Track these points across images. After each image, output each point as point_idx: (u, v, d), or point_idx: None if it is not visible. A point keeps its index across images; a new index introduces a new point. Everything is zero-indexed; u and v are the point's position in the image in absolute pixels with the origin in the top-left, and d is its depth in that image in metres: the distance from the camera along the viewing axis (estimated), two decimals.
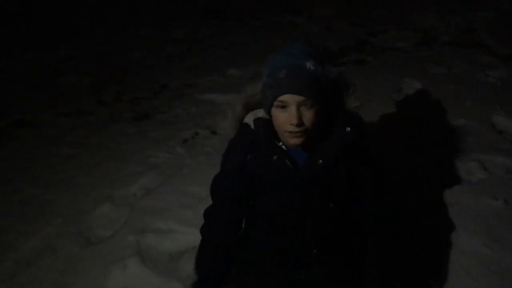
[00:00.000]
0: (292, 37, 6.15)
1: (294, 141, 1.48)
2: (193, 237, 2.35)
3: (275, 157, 1.56)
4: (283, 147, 1.59)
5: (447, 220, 2.29)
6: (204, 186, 2.71)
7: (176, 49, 6.16)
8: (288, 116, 1.44)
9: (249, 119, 1.64)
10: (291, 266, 1.65)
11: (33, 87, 5.12)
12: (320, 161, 1.54)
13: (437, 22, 6.12)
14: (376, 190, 1.68)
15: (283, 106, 1.45)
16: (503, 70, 4.26)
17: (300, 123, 1.43)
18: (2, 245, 2.50)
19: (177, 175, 2.97)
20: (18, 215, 2.76)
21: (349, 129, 1.54)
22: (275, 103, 1.45)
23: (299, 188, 1.57)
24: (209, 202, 2.54)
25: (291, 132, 1.46)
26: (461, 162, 2.79)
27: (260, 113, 1.62)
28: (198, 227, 2.37)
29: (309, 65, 1.45)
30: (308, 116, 1.45)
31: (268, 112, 1.52)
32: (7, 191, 3.03)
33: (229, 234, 1.75)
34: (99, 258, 2.31)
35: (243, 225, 1.79)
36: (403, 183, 2.61)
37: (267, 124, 1.56)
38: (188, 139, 3.53)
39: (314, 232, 1.61)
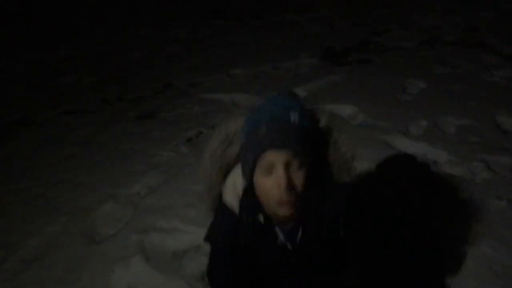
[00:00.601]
0: (293, 37, 6.16)
1: (285, 211, 1.24)
2: (196, 236, 2.37)
3: (266, 245, 1.39)
4: (276, 228, 1.38)
5: (451, 221, 2.28)
6: None
7: (176, 48, 6.18)
8: (275, 180, 1.21)
9: (229, 196, 1.40)
10: None
11: (34, 87, 5.14)
12: (316, 245, 1.38)
13: (439, 22, 6.12)
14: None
15: (268, 170, 1.21)
16: (507, 69, 4.25)
17: (289, 187, 1.20)
18: (6, 244, 2.51)
19: (181, 174, 2.97)
20: (21, 214, 2.77)
21: (342, 233, 1.35)
22: (258, 166, 1.22)
23: (288, 266, 1.43)
24: None
25: (280, 201, 1.22)
26: (465, 162, 2.78)
27: (239, 177, 1.37)
28: (201, 226, 2.38)
29: (294, 117, 1.23)
30: (298, 178, 1.22)
31: (250, 180, 1.28)
32: (10, 190, 3.04)
33: None
34: (103, 257, 2.31)
35: None
36: (406, 185, 2.60)
37: (254, 210, 1.33)
38: (191, 138, 3.53)
39: None
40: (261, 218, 1.34)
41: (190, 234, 2.39)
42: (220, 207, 1.42)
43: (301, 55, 5.29)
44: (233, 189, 1.39)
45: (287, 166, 1.20)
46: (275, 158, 1.19)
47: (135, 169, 3.12)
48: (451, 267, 2.01)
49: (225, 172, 1.43)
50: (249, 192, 1.31)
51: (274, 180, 1.21)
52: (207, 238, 1.47)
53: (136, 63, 5.71)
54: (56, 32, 7.25)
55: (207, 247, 2.29)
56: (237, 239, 1.35)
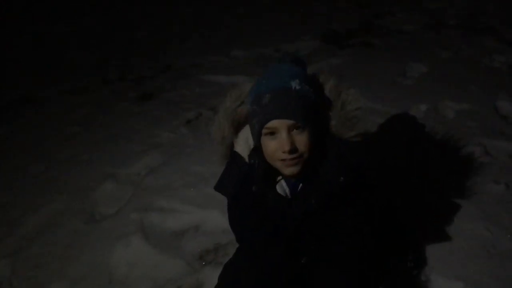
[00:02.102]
0: (295, 18, 6.11)
1: (290, 170, 1.36)
2: (195, 216, 2.40)
3: (270, 196, 1.46)
4: (282, 181, 1.48)
5: (449, 203, 2.30)
6: (207, 166, 2.76)
7: (180, 28, 6.14)
8: (279, 143, 1.32)
9: (240, 147, 1.53)
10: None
11: (36, 65, 5.14)
12: (313, 201, 1.43)
13: (444, 5, 6.05)
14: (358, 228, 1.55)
15: (272, 133, 1.32)
16: (509, 55, 4.22)
17: (293, 149, 1.31)
18: (7, 221, 2.54)
19: (181, 155, 2.99)
20: (23, 191, 2.80)
21: (342, 179, 1.41)
22: (263, 131, 1.33)
23: (291, 220, 1.48)
24: (212, 181, 2.57)
25: (284, 160, 1.34)
26: (463, 146, 2.78)
27: (250, 135, 1.49)
28: (201, 206, 2.43)
29: (295, 85, 1.32)
30: (301, 140, 1.32)
31: (258, 141, 1.39)
32: (12, 168, 3.07)
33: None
34: (103, 235, 2.35)
35: None
36: (405, 166, 2.61)
37: (263, 163, 1.44)
38: (191, 120, 3.54)
39: (304, 247, 1.54)
40: (267, 165, 1.43)
41: (189, 214, 2.42)
42: (232, 157, 1.54)
43: (303, 37, 5.26)
44: (245, 142, 1.52)
45: (289, 130, 1.31)
46: (278, 124, 1.30)
47: (135, 149, 3.14)
48: (448, 249, 2.03)
49: (237, 127, 1.54)
50: (259, 149, 1.42)
51: (278, 143, 1.32)
52: (218, 186, 1.58)
53: (138, 43, 5.69)
54: (59, 9, 7.19)
55: (206, 227, 2.34)
56: (248, 185, 1.46)
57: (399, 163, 2.64)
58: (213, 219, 2.35)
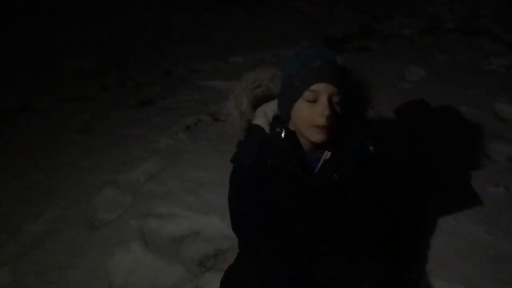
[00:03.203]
0: (294, 23, 6.13)
1: (320, 137, 1.40)
2: (195, 222, 2.40)
3: (290, 167, 1.48)
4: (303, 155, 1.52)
5: (448, 207, 2.30)
6: (206, 171, 2.77)
7: (179, 34, 6.16)
8: (317, 108, 1.37)
9: (259, 120, 1.57)
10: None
11: (35, 72, 5.14)
12: (336, 175, 1.48)
13: (442, 9, 6.07)
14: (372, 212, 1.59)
15: (312, 99, 1.38)
16: (508, 57, 4.23)
17: (331, 115, 1.37)
18: (7, 229, 2.53)
19: (180, 161, 2.99)
20: (22, 199, 2.79)
21: (372, 148, 1.49)
22: (305, 94, 1.38)
23: (309, 195, 1.51)
24: (211, 187, 2.61)
25: (318, 126, 1.38)
26: (463, 149, 2.79)
27: (269, 109, 1.57)
28: (200, 212, 2.43)
29: (338, 60, 1.45)
30: (336, 109, 1.40)
31: (288, 109, 1.45)
32: (11, 175, 3.06)
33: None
34: (103, 241, 2.34)
35: None
36: (404, 170, 2.61)
37: (291, 133, 1.49)
38: (190, 125, 3.54)
39: (318, 230, 1.56)
40: (293, 132, 1.50)
41: (189, 220, 2.42)
42: (250, 128, 1.57)
43: (301, 42, 5.27)
44: (264, 115, 1.57)
45: (330, 97, 1.38)
46: (324, 89, 1.37)
47: (135, 156, 3.13)
48: (448, 252, 2.03)
49: (254, 104, 1.61)
50: (283, 119, 1.50)
51: (318, 108, 1.38)
52: (235, 158, 1.58)
53: (137, 49, 5.70)
54: (57, 16, 7.20)
55: (205, 232, 2.34)
56: (264, 159, 1.50)
57: (397, 167, 2.64)
58: (212, 224, 2.35)
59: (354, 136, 1.51)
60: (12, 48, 6.04)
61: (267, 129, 1.54)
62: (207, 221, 2.38)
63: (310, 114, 1.39)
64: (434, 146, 2.86)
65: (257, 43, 5.40)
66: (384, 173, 1.63)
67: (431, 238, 2.11)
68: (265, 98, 1.62)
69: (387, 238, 1.65)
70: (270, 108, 1.58)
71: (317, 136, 1.40)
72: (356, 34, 5.46)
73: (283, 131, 1.50)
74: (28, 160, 3.23)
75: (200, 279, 2.05)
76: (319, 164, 1.52)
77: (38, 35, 6.45)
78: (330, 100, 1.38)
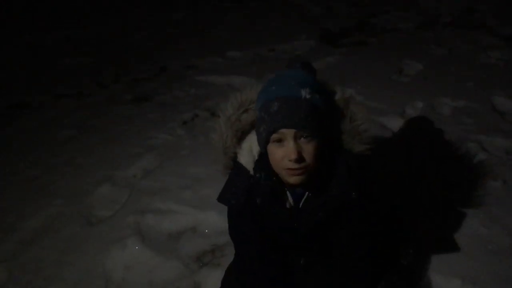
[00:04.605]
0: (290, 18, 6.11)
1: (294, 179, 1.34)
2: (192, 218, 2.39)
3: (275, 209, 1.47)
4: (287, 193, 1.47)
5: (446, 200, 2.29)
6: (203, 167, 2.75)
7: (175, 30, 6.14)
8: (285, 151, 1.29)
9: (244, 158, 1.49)
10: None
11: (31, 69, 5.13)
12: (320, 214, 1.44)
13: (439, 3, 6.06)
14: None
15: (280, 140, 1.30)
16: (505, 51, 4.23)
17: (299, 159, 1.28)
18: (3, 226, 2.52)
19: (176, 157, 2.98)
20: (19, 196, 2.78)
21: (354, 194, 1.39)
22: (272, 138, 1.30)
23: (296, 233, 1.51)
24: (208, 183, 2.59)
25: (290, 169, 1.31)
26: (461, 143, 2.78)
27: (255, 143, 1.46)
28: (197, 208, 2.42)
29: (304, 93, 1.29)
30: (307, 150, 1.30)
31: (264, 148, 1.37)
32: (7, 173, 3.05)
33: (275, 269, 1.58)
34: (99, 238, 2.33)
35: None
36: (402, 163, 2.61)
37: (271, 176, 1.42)
38: (187, 121, 3.52)
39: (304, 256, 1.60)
40: (273, 179, 1.42)
41: (186, 216, 2.40)
42: (235, 168, 1.50)
43: (298, 37, 5.26)
44: (249, 152, 1.48)
45: (296, 138, 1.29)
46: (286, 132, 1.28)
47: (131, 152, 3.12)
48: (445, 247, 2.02)
49: (240, 136, 1.50)
50: (264, 158, 1.41)
51: (284, 151, 1.30)
52: (221, 198, 1.54)
53: (133, 45, 5.68)
54: (53, 14, 7.18)
55: (202, 228, 2.33)
56: (251, 198, 1.45)
57: (396, 160, 2.63)
58: (209, 220, 2.34)
59: (336, 180, 1.41)
60: (10, 46, 6.02)
61: (251, 168, 1.47)
62: (204, 216, 2.37)
63: (280, 157, 1.31)
64: (430, 141, 2.86)
65: (254, 38, 5.39)
66: (371, 214, 1.54)
67: (428, 233, 2.10)
68: (251, 126, 1.50)
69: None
70: (255, 143, 1.46)
71: (291, 179, 1.34)
72: (353, 29, 5.46)
73: (263, 177, 1.43)
74: (24, 158, 3.21)
75: (198, 274, 2.05)
76: (300, 204, 1.47)
77: (36, 33, 6.43)
78: (297, 141, 1.29)
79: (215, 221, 2.31)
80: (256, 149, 1.47)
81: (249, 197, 1.46)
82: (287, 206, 1.47)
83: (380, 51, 4.55)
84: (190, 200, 2.50)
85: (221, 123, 1.49)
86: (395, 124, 3.08)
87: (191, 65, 4.81)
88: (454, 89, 3.50)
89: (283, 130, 1.28)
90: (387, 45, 4.76)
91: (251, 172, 1.46)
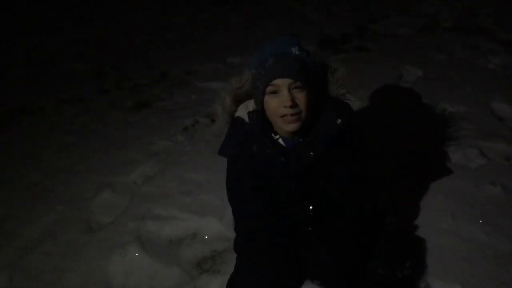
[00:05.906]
0: (291, 24, 6.13)
1: (291, 126, 1.52)
2: (192, 224, 2.39)
3: (269, 150, 1.61)
4: (280, 140, 1.64)
5: (445, 206, 2.29)
6: (204, 173, 2.76)
7: (176, 35, 6.16)
8: (281, 100, 1.49)
9: (241, 112, 1.68)
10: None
11: (32, 74, 5.15)
12: (312, 153, 1.60)
13: (439, 8, 6.08)
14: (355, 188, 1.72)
15: (275, 92, 1.50)
16: (505, 56, 4.24)
17: (293, 105, 1.48)
18: (4, 232, 2.53)
19: (177, 163, 2.99)
20: (18, 202, 2.79)
21: (339, 121, 1.59)
22: (267, 89, 1.51)
23: (292, 177, 1.64)
24: (209, 189, 2.60)
25: (285, 116, 1.50)
26: (460, 148, 2.78)
27: (251, 105, 1.67)
28: (198, 214, 2.42)
29: (294, 50, 1.53)
30: (300, 98, 1.50)
31: (261, 103, 1.57)
32: (8, 178, 3.06)
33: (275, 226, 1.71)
34: (100, 244, 2.33)
35: None
36: (400, 169, 2.61)
37: (261, 116, 1.60)
38: (188, 127, 3.53)
39: (309, 211, 1.68)
40: (266, 126, 1.62)
41: (186, 222, 2.41)
42: (232, 121, 1.70)
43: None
44: (244, 108, 1.68)
45: (290, 88, 1.49)
46: (280, 82, 1.49)
47: (132, 158, 3.13)
48: (445, 252, 2.02)
49: (237, 103, 1.74)
50: (260, 112, 1.60)
51: (280, 100, 1.50)
52: (221, 150, 1.73)
53: (134, 51, 5.70)
54: (54, 18, 7.21)
55: (203, 234, 2.33)
56: (250, 147, 1.64)
57: (395, 165, 2.64)
58: (210, 226, 2.35)
59: (323, 116, 1.61)
60: (10, 50, 6.04)
61: (247, 119, 1.65)
62: (204, 223, 2.37)
63: (276, 106, 1.51)
64: (430, 146, 2.86)
65: (254, 45, 5.35)
66: (360, 142, 1.75)
67: (428, 237, 2.10)
68: (248, 96, 1.72)
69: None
70: (251, 103, 1.68)
71: (288, 126, 1.52)
72: (353, 34, 5.46)
73: (255, 114, 1.61)
74: (24, 163, 3.22)
75: (198, 281, 2.05)
76: (292, 146, 1.64)
77: (37, 39, 6.45)
78: (290, 90, 1.49)
79: (215, 227, 2.32)
80: (251, 107, 1.66)
81: (246, 145, 1.64)
82: (280, 152, 1.62)
83: (380, 57, 4.56)
84: (190, 206, 2.51)
85: (223, 93, 1.76)
86: (394, 129, 3.08)
87: (192, 70, 4.83)
88: (454, 94, 3.50)
89: (278, 81, 1.48)
90: (387, 50, 4.77)
91: (247, 120, 1.64)
